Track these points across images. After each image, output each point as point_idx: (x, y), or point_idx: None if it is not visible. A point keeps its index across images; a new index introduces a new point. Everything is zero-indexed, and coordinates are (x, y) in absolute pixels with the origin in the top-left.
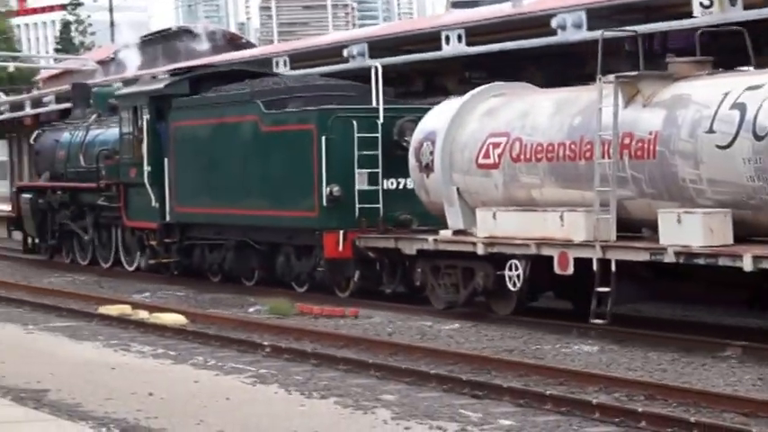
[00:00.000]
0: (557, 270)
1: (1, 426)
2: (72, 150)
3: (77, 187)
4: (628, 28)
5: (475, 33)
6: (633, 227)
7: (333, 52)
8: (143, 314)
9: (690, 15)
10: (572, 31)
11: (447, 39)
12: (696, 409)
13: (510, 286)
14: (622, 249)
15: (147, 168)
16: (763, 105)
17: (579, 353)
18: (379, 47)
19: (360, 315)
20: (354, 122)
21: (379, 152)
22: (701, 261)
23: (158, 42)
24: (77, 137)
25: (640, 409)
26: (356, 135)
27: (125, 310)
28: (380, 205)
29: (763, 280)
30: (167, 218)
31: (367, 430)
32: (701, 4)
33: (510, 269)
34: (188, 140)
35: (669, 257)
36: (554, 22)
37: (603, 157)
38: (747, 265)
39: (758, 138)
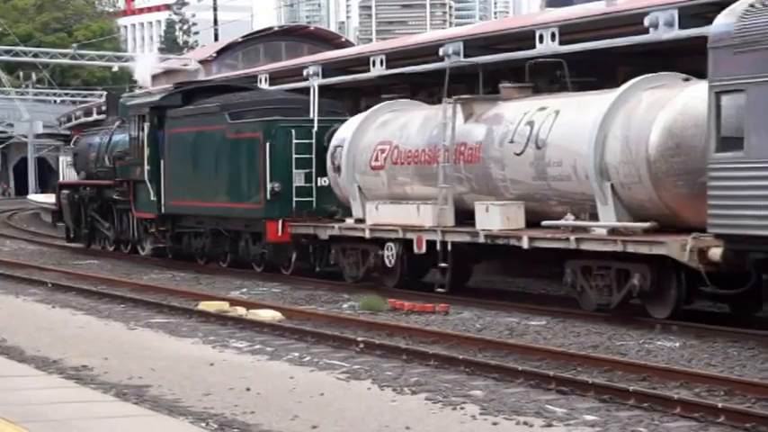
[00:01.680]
0: (415, 250)
1: (104, 421)
2: (100, 152)
3: (100, 184)
4: (472, 59)
5: (568, 32)
6: (472, 216)
7: (428, 51)
8: (241, 310)
9: None
10: (664, 29)
11: (541, 37)
12: None
13: (387, 264)
14: (454, 233)
15: (147, 168)
16: (544, 123)
17: (662, 348)
18: (474, 45)
19: (450, 311)
20: (293, 131)
21: (313, 155)
22: (500, 241)
23: (260, 42)
24: (104, 140)
25: (720, 405)
26: (294, 141)
27: (223, 306)
28: (313, 199)
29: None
30: (162, 210)
31: (455, 425)
32: None
33: (387, 250)
34: (177, 145)
35: (481, 239)
36: (646, 21)
37: (446, 162)
38: (525, 243)
39: (538, 147)
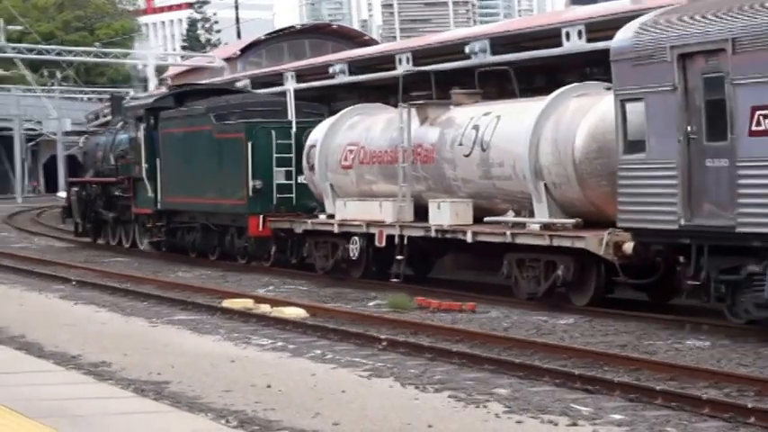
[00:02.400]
0: (377, 244)
1: (123, 417)
2: (105, 151)
3: (104, 181)
4: (426, 68)
5: (595, 29)
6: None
7: (454, 49)
8: (265, 308)
9: None
10: None
11: (567, 35)
12: None
13: (352, 256)
14: (410, 228)
15: (144, 166)
16: (488, 127)
17: (691, 348)
18: (500, 43)
19: (477, 309)
20: (273, 132)
21: (293, 155)
22: (448, 235)
23: (284, 40)
24: (109, 140)
25: (750, 405)
26: (275, 141)
27: (248, 303)
28: (293, 195)
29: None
30: (158, 206)
31: (479, 424)
32: None
33: (352, 243)
34: (170, 144)
35: (432, 233)
36: None
37: (405, 162)
38: (469, 237)
39: (483, 149)
